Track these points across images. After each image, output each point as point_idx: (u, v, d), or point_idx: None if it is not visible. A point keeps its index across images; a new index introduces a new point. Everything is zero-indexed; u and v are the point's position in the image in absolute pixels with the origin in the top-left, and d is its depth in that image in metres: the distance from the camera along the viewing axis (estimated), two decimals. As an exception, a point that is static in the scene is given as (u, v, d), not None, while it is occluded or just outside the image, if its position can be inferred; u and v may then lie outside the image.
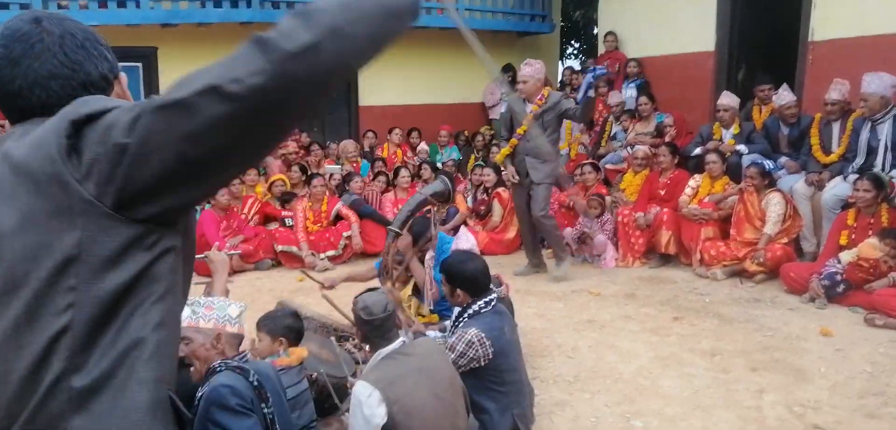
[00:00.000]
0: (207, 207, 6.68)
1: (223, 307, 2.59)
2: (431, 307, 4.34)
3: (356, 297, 2.64)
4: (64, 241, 0.91)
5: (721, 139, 6.65)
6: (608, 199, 6.70)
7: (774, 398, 3.49)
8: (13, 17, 1.09)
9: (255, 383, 2.28)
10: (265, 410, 2.26)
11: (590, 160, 7.25)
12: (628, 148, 7.37)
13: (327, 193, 7.12)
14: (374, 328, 2.56)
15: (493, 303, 3.13)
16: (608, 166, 7.49)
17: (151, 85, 8.13)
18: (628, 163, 7.17)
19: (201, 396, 2.22)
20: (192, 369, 2.42)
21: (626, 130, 7.76)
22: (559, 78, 10.19)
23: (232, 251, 5.26)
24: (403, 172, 7.44)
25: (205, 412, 2.17)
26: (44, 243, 0.91)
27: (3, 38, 1.06)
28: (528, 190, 5.81)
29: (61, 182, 0.91)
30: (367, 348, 2.80)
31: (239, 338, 2.59)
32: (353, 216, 6.92)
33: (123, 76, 1.14)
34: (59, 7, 7.09)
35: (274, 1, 7.97)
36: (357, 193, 7.33)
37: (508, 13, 9.87)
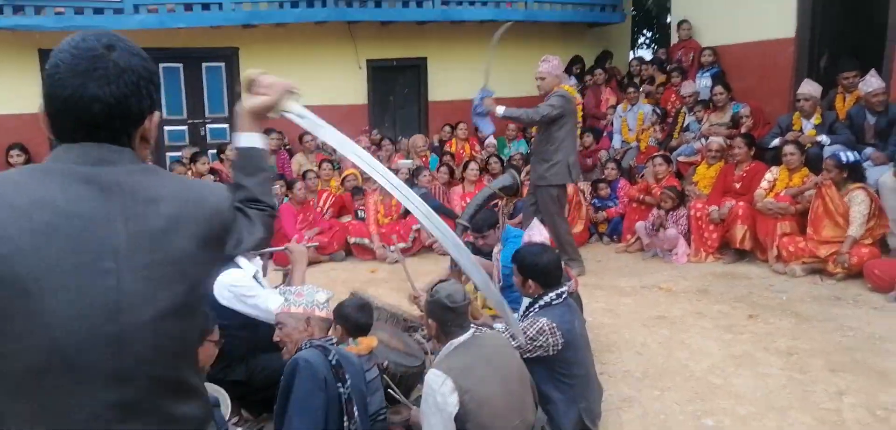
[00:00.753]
0: (285, 200, 6.99)
1: (312, 294, 2.81)
2: (499, 300, 4.42)
3: (434, 286, 2.75)
4: (210, 272, 1.39)
5: (801, 130, 6.40)
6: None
7: (855, 401, 3.38)
8: (93, 32, 1.19)
9: (334, 361, 2.47)
10: (341, 389, 2.44)
11: (661, 152, 7.12)
12: (702, 139, 7.19)
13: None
14: (457, 316, 2.66)
15: (563, 296, 3.18)
16: (681, 159, 7.33)
17: (232, 83, 8.55)
18: (702, 155, 7.00)
19: (284, 373, 2.45)
20: (284, 350, 2.63)
21: (700, 121, 7.57)
22: (627, 69, 9.99)
23: (310, 244, 5.51)
24: (472, 166, 7.54)
25: (284, 382, 2.41)
26: (203, 271, 1.30)
27: (75, 48, 1.16)
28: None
29: (224, 234, 1.33)
30: (435, 340, 2.90)
31: (328, 322, 2.79)
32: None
33: (156, 115, 1.28)
34: (148, 11, 7.55)
35: (347, 1, 8.20)
36: (426, 187, 7.48)
37: (577, 4, 9.75)
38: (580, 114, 5.97)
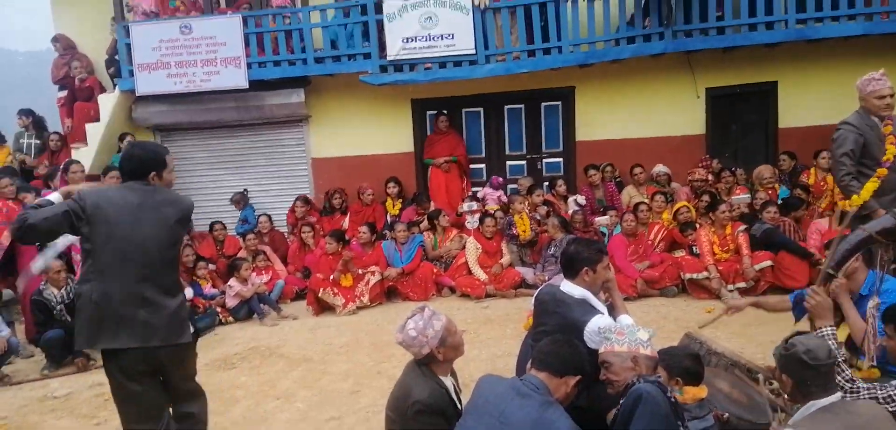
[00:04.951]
0: (617, 231, 7.04)
1: (633, 332, 2.81)
2: (873, 361, 3.71)
3: (790, 337, 2.47)
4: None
5: None
6: None
7: None
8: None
9: (672, 399, 2.40)
10: (681, 428, 2.36)
11: None
12: None
13: (731, 220, 6.77)
14: (818, 375, 2.34)
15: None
16: None
17: (568, 120, 8.97)
18: None
19: (623, 403, 2.46)
20: (609, 389, 2.67)
21: None
22: None
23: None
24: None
25: (624, 412, 2.41)
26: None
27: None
28: None
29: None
30: (786, 396, 2.58)
31: (653, 361, 2.74)
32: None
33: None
34: (497, 61, 8.36)
35: (686, 31, 7.93)
36: (770, 223, 6.74)
37: None
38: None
